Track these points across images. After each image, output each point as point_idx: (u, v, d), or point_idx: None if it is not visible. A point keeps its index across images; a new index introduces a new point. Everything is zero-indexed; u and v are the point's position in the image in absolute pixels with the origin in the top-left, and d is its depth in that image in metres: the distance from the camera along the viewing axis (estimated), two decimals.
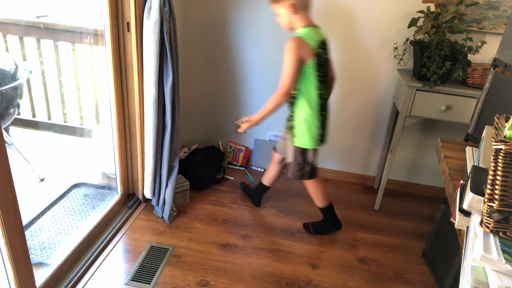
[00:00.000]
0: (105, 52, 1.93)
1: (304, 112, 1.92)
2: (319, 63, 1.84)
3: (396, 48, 2.38)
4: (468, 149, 1.46)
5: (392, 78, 2.50)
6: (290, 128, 2.00)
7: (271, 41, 2.54)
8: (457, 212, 1.06)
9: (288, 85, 1.83)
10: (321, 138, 2.00)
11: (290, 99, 1.94)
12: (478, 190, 0.99)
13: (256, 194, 2.45)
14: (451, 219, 1.13)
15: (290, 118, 2.00)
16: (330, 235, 2.24)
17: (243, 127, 1.98)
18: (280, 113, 2.68)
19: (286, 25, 1.88)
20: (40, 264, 1.77)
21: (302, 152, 2.00)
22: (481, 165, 1.21)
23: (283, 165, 2.23)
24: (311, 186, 2.14)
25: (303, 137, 1.96)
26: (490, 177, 0.88)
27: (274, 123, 2.74)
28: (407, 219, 2.47)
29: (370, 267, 2.04)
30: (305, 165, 2.03)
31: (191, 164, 2.62)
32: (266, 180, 2.36)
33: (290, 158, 2.06)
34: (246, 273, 1.91)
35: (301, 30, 1.83)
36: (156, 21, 1.80)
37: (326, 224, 2.23)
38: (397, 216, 2.50)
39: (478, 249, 0.85)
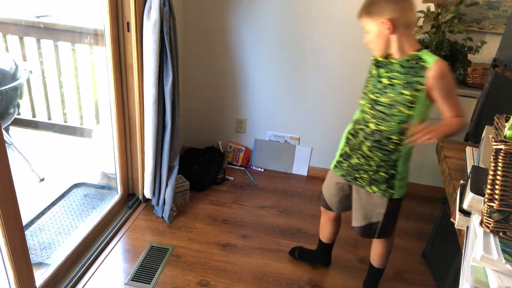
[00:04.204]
0: (105, 52, 1.93)
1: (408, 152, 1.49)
2: None
3: None
4: (468, 149, 1.47)
5: None
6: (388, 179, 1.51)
7: (272, 41, 2.54)
8: (457, 212, 1.06)
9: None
10: None
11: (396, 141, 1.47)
12: (478, 190, 0.99)
13: (320, 256, 2.00)
14: (451, 219, 1.13)
15: (388, 167, 1.49)
16: None
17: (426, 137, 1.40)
18: (280, 113, 2.71)
19: (380, 47, 1.38)
20: (40, 264, 1.77)
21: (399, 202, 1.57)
22: (481, 165, 1.21)
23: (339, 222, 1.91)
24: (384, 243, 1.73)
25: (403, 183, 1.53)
26: (490, 177, 0.88)
27: (274, 123, 2.75)
28: (407, 219, 2.47)
29: None
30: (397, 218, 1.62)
31: (191, 165, 2.62)
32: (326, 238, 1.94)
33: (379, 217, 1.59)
34: (246, 273, 1.91)
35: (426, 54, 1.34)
36: (156, 21, 1.80)
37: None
38: None
39: (478, 249, 0.85)
